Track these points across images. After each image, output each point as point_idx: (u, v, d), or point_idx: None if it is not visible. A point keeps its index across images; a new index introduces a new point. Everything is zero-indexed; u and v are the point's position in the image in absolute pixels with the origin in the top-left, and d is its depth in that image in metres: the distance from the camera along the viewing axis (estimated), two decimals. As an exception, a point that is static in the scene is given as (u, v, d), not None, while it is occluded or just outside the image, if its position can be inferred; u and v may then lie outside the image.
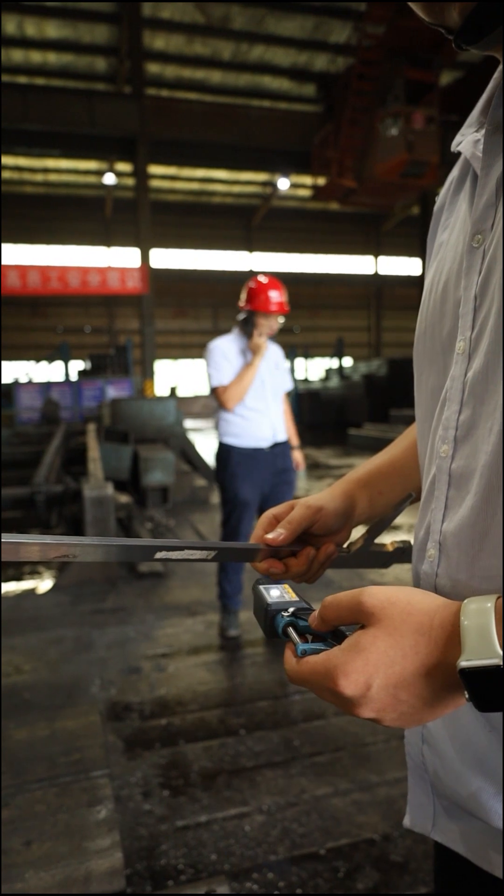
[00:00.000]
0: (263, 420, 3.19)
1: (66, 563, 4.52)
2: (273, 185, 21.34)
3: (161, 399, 9.26)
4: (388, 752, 2.29)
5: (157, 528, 6.01)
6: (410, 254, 25.25)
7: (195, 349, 25.72)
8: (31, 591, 4.24)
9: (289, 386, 3.42)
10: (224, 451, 3.23)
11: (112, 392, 12.81)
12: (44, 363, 15.30)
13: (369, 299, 27.19)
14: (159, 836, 1.89)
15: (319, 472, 9.89)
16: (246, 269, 25.03)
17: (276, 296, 3.14)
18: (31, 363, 16.31)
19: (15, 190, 21.92)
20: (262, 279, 3.19)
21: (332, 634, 0.51)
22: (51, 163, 19.97)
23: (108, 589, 4.23)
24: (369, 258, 26.76)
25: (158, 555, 0.62)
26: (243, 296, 3.19)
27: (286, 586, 0.60)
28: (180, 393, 22.17)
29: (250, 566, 0.73)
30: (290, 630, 0.52)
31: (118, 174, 19.21)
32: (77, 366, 15.85)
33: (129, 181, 17.45)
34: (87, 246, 23.61)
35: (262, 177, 21.70)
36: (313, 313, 26.58)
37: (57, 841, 0.92)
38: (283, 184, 18.43)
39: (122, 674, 2.96)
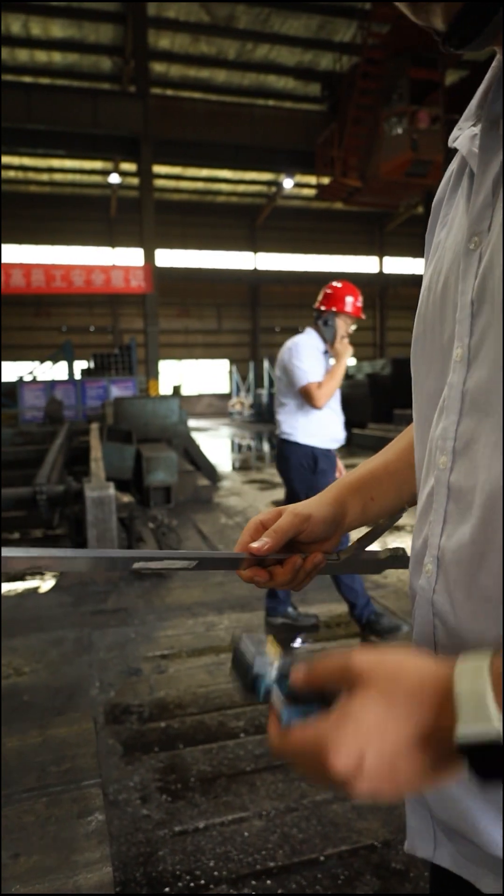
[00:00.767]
0: (339, 421, 3.35)
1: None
2: (277, 184, 21.31)
3: (164, 398, 9.25)
4: (389, 757, 2.26)
5: (160, 527, 5.99)
6: (415, 254, 25.18)
7: (199, 349, 25.71)
8: (34, 591, 4.23)
9: None
10: (305, 450, 3.29)
11: (116, 391, 12.80)
12: (48, 363, 15.28)
13: (373, 299, 27.13)
14: (157, 841, 1.87)
15: (323, 472, 9.85)
16: (250, 268, 25.01)
17: (355, 300, 3.24)
18: (35, 363, 16.30)
19: (20, 189, 21.95)
20: (339, 284, 3.27)
21: (320, 698, 0.47)
22: (56, 162, 19.98)
23: (109, 589, 4.22)
24: (373, 258, 26.70)
25: (136, 565, 0.61)
26: (322, 298, 3.27)
27: (270, 640, 0.54)
28: (184, 392, 22.18)
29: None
30: (274, 697, 0.47)
31: (122, 174, 19.21)
32: (81, 366, 15.85)
33: (134, 181, 17.45)
34: (92, 246, 23.61)
35: (266, 176, 21.67)
36: (317, 313, 26.51)
37: (45, 854, 0.91)
38: (288, 183, 18.40)
39: (121, 676, 2.94)
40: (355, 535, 0.88)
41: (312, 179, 18.41)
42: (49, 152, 18.54)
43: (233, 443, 14.40)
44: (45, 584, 4.41)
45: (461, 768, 0.39)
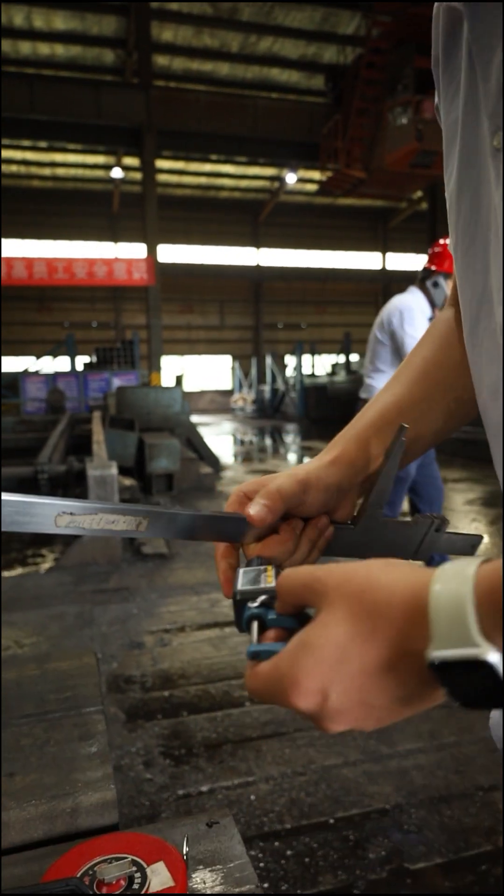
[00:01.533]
0: None
1: (69, 542, 4.44)
2: (280, 179, 21.24)
3: (167, 388, 9.18)
4: (399, 725, 2.19)
5: (162, 513, 5.92)
6: (418, 250, 25.08)
7: (201, 345, 25.65)
8: (34, 571, 4.16)
9: None
10: None
11: (118, 383, 12.75)
12: (49, 357, 15.24)
13: (377, 295, 27.04)
14: (160, 804, 1.80)
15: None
16: (253, 264, 24.95)
17: None
18: (36, 357, 16.28)
19: (22, 184, 21.90)
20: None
21: (298, 621, 0.41)
22: (58, 157, 19.92)
23: (111, 570, 4.15)
24: (377, 254, 26.61)
25: (60, 521, 0.42)
26: (430, 257, 3.06)
27: (269, 569, 0.48)
28: (186, 388, 22.11)
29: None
30: (254, 625, 0.41)
31: (125, 168, 19.16)
32: (83, 360, 15.80)
33: (137, 175, 17.39)
34: (94, 241, 23.57)
35: (269, 171, 21.60)
36: (320, 309, 26.47)
37: (43, 773, 0.84)
38: (291, 178, 18.33)
39: (123, 648, 2.88)
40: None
41: (315, 175, 18.34)
42: (52, 145, 18.49)
43: (235, 437, 14.35)
44: (45, 565, 4.35)
45: (442, 693, 0.32)
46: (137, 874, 0.61)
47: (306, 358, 20.07)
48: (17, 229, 21.99)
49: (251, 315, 26.02)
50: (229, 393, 23.81)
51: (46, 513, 0.43)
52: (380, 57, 11.74)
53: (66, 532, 0.43)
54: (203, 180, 22.65)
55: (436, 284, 3.03)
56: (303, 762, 1.99)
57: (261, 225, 25.00)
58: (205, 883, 0.64)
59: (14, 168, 20.57)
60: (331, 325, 26.15)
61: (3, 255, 14.11)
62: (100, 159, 20.11)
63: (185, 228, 24.11)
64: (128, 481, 5.54)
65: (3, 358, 19.87)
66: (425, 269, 3.09)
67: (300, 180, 20.17)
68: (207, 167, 21.05)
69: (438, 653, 0.29)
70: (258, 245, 25.23)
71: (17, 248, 21.82)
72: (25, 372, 13.48)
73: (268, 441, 13.42)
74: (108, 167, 20.09)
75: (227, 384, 25.37)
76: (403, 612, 0.32)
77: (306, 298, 26.18)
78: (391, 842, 1.65)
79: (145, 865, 0.62)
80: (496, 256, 0.42)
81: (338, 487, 0.55)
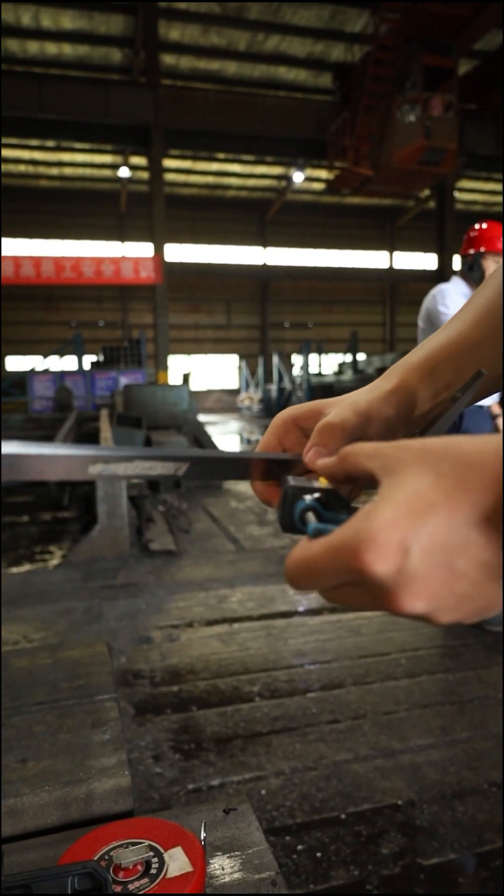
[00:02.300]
0: None
1: (77, 540, 4.44)
2: (287, 178, 21.20)
3: (174, 386, 9.18)
4: (410, 721, 2.17)
5: (170, 510, 5.92)
6: (425, 249, 25.00)
7: (208, 344, 25.66)
8: (42, 568, 4.16)
9: None
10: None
11: (125, 382, 12.76)
12: (56, 356, 15.27)
13: (384, 294, 26.97)
14: (170, 797, 1.79)
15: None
16: (260, 263, 24.93)
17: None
18: (44, 357, 16.32)
19: (30, 184, 21.97)
20: (484, 225, 3.00)
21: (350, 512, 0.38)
22: (66, 156, 19.97)
23: (118, 566, 4.14)
24: (384, 253, 26.54)
25: (93, 469, 0.41)
26: (466, 243, 3.02)
27: (321, 478, 0.44)
28: (193, 388, 22.11)
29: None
30: (310, 514, 0.39)
31: (132, 167, 19.18)
32: (90, 359, 15.84)
33: (144, 175, 17.40)
34: (102, 241, 23.61)
35: (276, 170, 21.58)
36: (327, 309, 26.41)
37: (56, 759, 0.82)
38: (298, 177, 18.29)
39: (132, 643, 2.87)
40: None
41: (322, 173, 18.31)
42: (60, 145, 18.54)
43: (241, 435, 14.33)
44: (52, 562, 4.35)
45: None
46: (155, 859, 0.59)
47: (313, 357, 20.06)
48: (25, 229, 22.06)
49: (258, 314, 26.00)
50: (236, 392, 23.80)
51: (80, 463, 0.41)
52: (388, 54, 11.70)
53: (100, 479, 0.42)
54: (210, 179, 22.65)
55: (471, 268, 2.97)
56: (314, 757, 1.97)
57: (268, 224, 24.98)
58: (223, 869, 0.63)
59: (22, 168, 20.63)
60: (338, 325, 26.10)
61: (11, 255, 14.15)
62: (107, 158, 20.15)
63: (192, 227, 24.12)
64: (136, 479, 5.53)
65: (10, 357, 19.91)
66: (462, 258, 3.04)
67: (307, 179, 20.15)
68: (214, 166, 21.05)
69: None
70: (265, 244, 25.21)
71: (26, 247, 21.89)
72: (33, 371, 13.51)
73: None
74: (116, 167, 20.13)
75: (233, 384, 25.37)
76: (495, 462, 0.30)
77: (313, 297, 26.15)
78: (404, 837, 1.63)
79: (162, 850, 0.60)
80: None
81: (395, 421, 0.50)
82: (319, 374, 19.37)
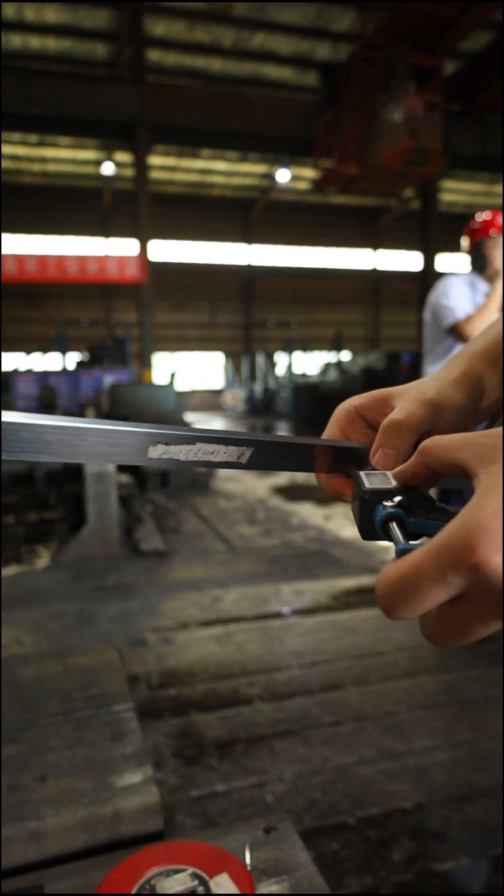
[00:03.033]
0: None
1: (65, 541, 4.36)
2: (272, 177, 21.17)
3: (161, 386, 9.11)
4: (413, 722, 2.15)
5: (159, 510, 5.86)
6: (409, 247, 25.10)
7: (193, 342, 25.56)
8: (31, 570, 4.08)
9: None
10: None
11: (110, 380, 12.63)
12: (39, 353, 15.08)
13: (367, 294, 27.06)
14: (174, 805, 1.74)
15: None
16: (244, 260, 24.88)
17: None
18: (27, 355, 16.09)
19: (13, 180, 21.68)
20: (486, 215, 2.97)
21: (443, 516, 0.35)
22: (49, 152, 19.73)
23: (109, 567, 4.08)
24: (367, 251, 26.62)
25: (153, 452, 0.37)
26: (466, 235, 3.00)
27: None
28: (177, 388, 22.01)
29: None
30: (393, 525, 0.35)
31: (117, 164, 19.01)
32: (74, 358, 15.66)
33: (128, 172, 17.26)
34: (86, 237, 23.40)
35: (260, 168, 21.52)
36: (311, 308, 26.43)
37: (77, 776, 0.78)
38: (282, 176, 18.25)
39: (127, 646, 2.81)
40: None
41: (307, 172, 18.30)
42: (43, 140, 18.33)
43: (228, 434, 14.27)
44: (42, 563, 4.27)
45: None
46: (200, 887, 0.55)
47: (298, 356, 20.08)
48: (8, 225, 21.77)
49: (242, 313, 25.95)
50: (220, 393, 23.74)
51: (139, 443, 0.37)
52: (374, 53, 11.70)
53: (158, 463, 0.37)
54: (195, 178, 22.54)
55: (476, 257, 2.95)
56: (318, 761, 1.94)
57: (252, 222, 24.94)
58: (272, 896, 0.58)
59: (5, 163, 20.34)
60: (322, 324, 26.14)
61: (-8, 251, 13.95)
62: (91, 154, 19.95)
63: (177, 225, 24.00)
64: (124, 478, 5.46)
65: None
66: (468, 252, 3.01)
67: (292, 178, 20.12)
68: (199, 164, 20.95)
69: None
70: (250, 241, 25.17)
71: (8, 242, 21.62)
72: (16, 371, 13.32)
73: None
74: (100, 163, 19.93)
75: (218, 383, 25.31)
76: None
77: (298, 296, 26.15)
78: (414, 842, 1.60)
79: (207, 878, 0.56)
80: None
81: (466, 409, 0.46)
82: (304, 374, 19.37)
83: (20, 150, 19.50)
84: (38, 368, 14.23)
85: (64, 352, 14.38)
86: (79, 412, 9.74)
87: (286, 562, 4.12)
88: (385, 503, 0.36)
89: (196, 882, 0.55)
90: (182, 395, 21.91)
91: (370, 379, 15.29)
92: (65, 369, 13.60)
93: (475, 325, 2.74)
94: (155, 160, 19.05)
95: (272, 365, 20.76)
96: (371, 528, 0.37)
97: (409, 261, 25.81)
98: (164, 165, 20.66)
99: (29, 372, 13.35)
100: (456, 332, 2.80)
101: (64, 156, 20.09)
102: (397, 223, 25.34)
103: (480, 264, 2.93)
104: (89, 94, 13.89)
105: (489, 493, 0.28)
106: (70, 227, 23.11)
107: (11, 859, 0.64)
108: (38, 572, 3.98)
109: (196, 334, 25.54)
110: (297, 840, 0.65)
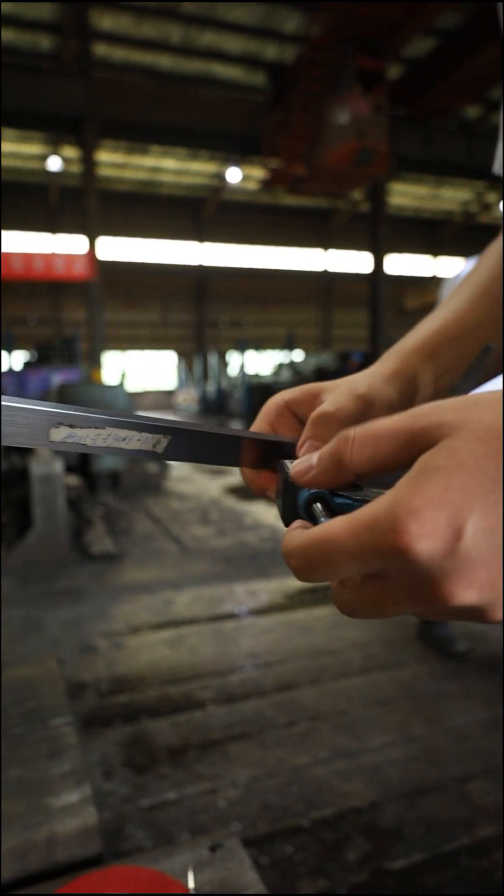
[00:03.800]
0: None
1: (10, 542, 4.21)
2: (223, 177, 21.13)
3: (111, 386, 8.95)
4: (368, 720, 2.14)
5: (110, 512, 5.74)
6: (359, 248, 25.47)
7: (144, 341, 25.28)
8: (-26, 575, 3.92)
9: None
10: None
11: (59, 380, 12.34)
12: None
13: (319, 295, 27.32)
14: (124, 817, 1.68)
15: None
16: (196, 258, 24.75)
17: None
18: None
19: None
20: None
21: (371, 498, 0.32)
22: (-9, 146, 19.16)
23: (58, 571, 3.96)
24: (319, 253, 26.88)
25: (56, 434, 0.32)
26: None
27: None
28: (129, 389, 21.73)
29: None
30: (317, 506, 0.33)
31: (65, 159, 18.60)
32: (21, 357, 15.26)
33: (76, 168, 16.93)
34: (31, 232, 22.83)
35: (211, 167, 21.45)
36: (264, 307, 26.52)
37: (9, 799, 0.72)
38: (233, 175, 18.24)
39: (75, 652, 2.72)
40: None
41: (257, 172, 18.34)
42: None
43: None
44: (-12, 567, 4.11)
45: None
46: (138, 919, 0.51)
47: (251, 355, 20.11)
48: None
49: (195, 311, 25.82)
50: (173, 393, 23.56)
51: (39, 423, 0.32)
52: (321, 54, 11.80)
53: (63, 448, 0.33)
54: (144, 175, 22.30)
55: None
56: (272, 763, 1.91)
57: (204, 221, 24.84)
58: (216, 921, 0.55)
59: None
60: (275, 324, 26.25)
61: None
62: (36, 149, 19.48)
63: (127, 223, 23.69)
64: (73, 480, 5.32)
65: None
66: None
67: (244, 178, 20.13)
68: (149, 161, 20.72)
69: None
70: (201, 240, 25.06)
71: None
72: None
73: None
74: (45, 157, 19.48)
75: (171, 384, 25.12)
76: None
77: (251, 296, 26.20)
78: (369, 841, 1.59)
79: (147, 907, 0.52)
80: None
81: (398, 405, 0.44)
82: (257, 375, 19.40)
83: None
84: (-18, 368, 13.78)
85: (10, 351, 13.98)
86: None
87: (240, 562, 4.08)
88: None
89: (134, 913, 0.51)
90: (134, 396, 21.63)
91: (322, 379, 15.41)
92: (11, 369, 13.22)
93: None
94: (104, 156, 18.75)
95: (225, 365, 20.73)
96: (294, 511, 0.34)
97: (359, 261, 26.20)
98: (114, 162, 20.36)
99: (-27, 372, 12.92)
100: None
101: (8, 149, 19.54)
102: (348, 225, 25.69)
103: None
104: (34, 87, 13.55)
105: (429, 471, 0.25)
106: (15, 222, 22.50)
107: None
108: (-18, 579, 3.83)
109: (147, 333, 25.27)
110: (244, 857, 0.61)
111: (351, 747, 1.98)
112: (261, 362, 21.39)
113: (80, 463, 6.71)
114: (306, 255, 26.55)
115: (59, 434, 0.32)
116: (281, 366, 19.12)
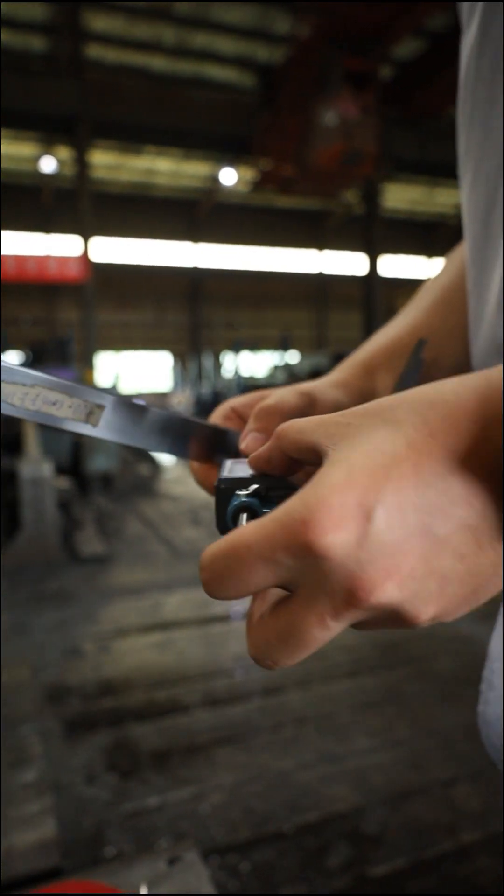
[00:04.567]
0: None
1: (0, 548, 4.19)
2: (215, 178, 21.15)
3: (105, 387, 8.92)
4: (354, 724, 2.14)
5: (101, 514, 5.72)
6: (354, 250, 25.52)
7: (138, 342, 25.26)
8: (-38, 578, 3.90)
9: None
10: None
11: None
12: (-22, 354, 14.56)
13: (314, 296, 27.35)
14: (105, 823, 1.67)
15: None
16: (191, 260, 24.76)
17: None
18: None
19: None
20: None
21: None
22: (-15, 147, 19.11)
23: (47, 574, 3.94)
24: (314, 255, 26.92)
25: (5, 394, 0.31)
26: None
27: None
28: (122, 391, 21.69)
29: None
30: (242, 517, 0.31)
31: (59, 160, 18.58)
32: (15, 358, 15.21)
33: (70, 169, 16.91)
34: (25, 233, 22.79)
35: (205, 169, 21.46)
36: (259, 308, 26.53)
37: (-31, 811, 0.70)
38: (227, 175, 18.24)
39: (62, 656, 2.71)
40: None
41: (250, 174, 18.35)
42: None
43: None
44: (-23, 570, 4.09)
45: None
46: (88, 936, 0.50)
47: (246, 356, 20.12)
48: None
49: (189, 312, 25.81)
50: (165, 396, 23.54)
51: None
52: (310, 55, 11.81)
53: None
54: (138, 177, 22.30)
55: None
56: (257, 768, 1.90)
57: (198, 222, 24.85)
58: (170, 937, 0.54)
59: None
60: (269, 325, 26.27)
61: None
62: (30, 150, 19.45)
63: (121, 224, 23.66)
64: (63, 483, 5.30)
65: None
66: None
67: (237, 179, 20.15)
68: (143, 162, 20.72)
69: None
70: (196, 240, 25.07)
71: None
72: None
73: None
74: (38, 159, 19.45)
75: (165, 385, 25.09)
76: (462, 397, 0.24)
77: (245, 297, 26.21)
78: (351, 847, 1.58)
79: (97, 923, 0.51)
80: None
81: (344, 407, 0.44)
82: (252, 377, 19.40)
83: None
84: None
85: (3, 351, 13.95)
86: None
87: (230, 564, 4.07)
88: (239, 492, 0.32)
89: (83, 930, 0.50)
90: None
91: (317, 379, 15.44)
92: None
93: None
94: (97, 157, 18.73)
95: (219, 366, 20.73)
96: (224, 522, 0.32)
97: (354, 263, 26.24)
98: (107, 164, 20.35)
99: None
100: None
101: (2, 151, 19.49)
102: (343, 227, 25.74)
103: None
104: (27, 87, 13.54)
105: (332, 465, 0.24)
106: (8, 222, 22.45)
107: None
108: (-30, 582, 3.81)
109: (141, 334, 25.25)
110: (202, 871, 0.60)
111: (336, 751, 1.97)
112: (256, 363, 21.39)
113: (72, 465, 6.69)
114: (301, 256, 26.58)
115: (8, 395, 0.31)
116: (276, 367, 19.12)
